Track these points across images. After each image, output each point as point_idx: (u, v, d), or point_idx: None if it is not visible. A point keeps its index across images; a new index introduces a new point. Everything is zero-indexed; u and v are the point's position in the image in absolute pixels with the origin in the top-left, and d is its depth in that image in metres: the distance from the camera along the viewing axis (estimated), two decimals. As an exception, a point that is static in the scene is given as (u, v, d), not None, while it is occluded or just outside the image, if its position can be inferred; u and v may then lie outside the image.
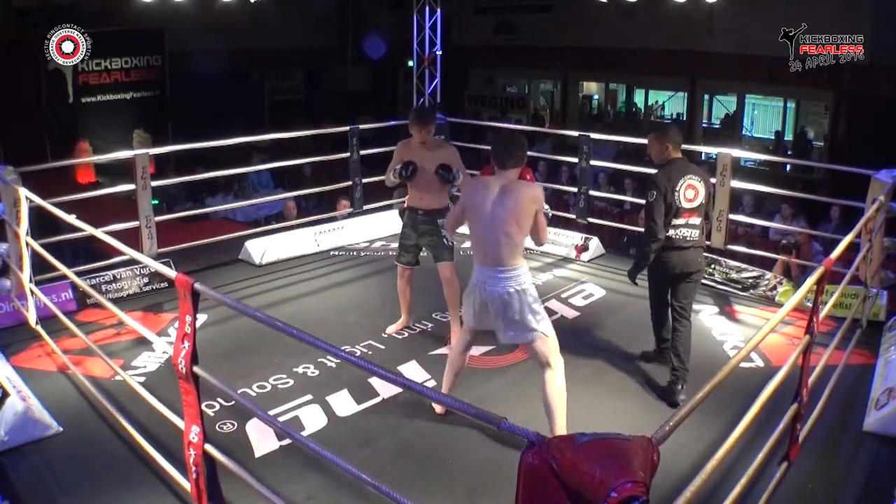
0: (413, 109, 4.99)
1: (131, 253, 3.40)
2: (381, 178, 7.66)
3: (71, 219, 4.06)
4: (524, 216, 3.42)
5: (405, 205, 4.89)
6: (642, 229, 4.57)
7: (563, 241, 6.94)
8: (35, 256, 4.75)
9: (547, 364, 3.50)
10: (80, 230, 4.20)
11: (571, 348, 4.75)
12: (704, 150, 7.61)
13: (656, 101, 14.69)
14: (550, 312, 5.36)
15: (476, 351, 4.74)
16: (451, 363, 3.87)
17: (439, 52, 8.71)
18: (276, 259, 6.56)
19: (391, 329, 5.07)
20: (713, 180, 6.07)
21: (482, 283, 3.50)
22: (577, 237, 6.90)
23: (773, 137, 12.81)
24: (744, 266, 6.08)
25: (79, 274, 4.64)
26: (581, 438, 1.61)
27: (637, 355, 4.70)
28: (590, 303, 5.69)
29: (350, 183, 7.25)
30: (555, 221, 7.53)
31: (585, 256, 6.70)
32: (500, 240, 3.40)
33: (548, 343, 3.50)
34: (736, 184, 6.06)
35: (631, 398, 4.17)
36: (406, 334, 5.02)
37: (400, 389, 4.00)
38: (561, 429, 3.47)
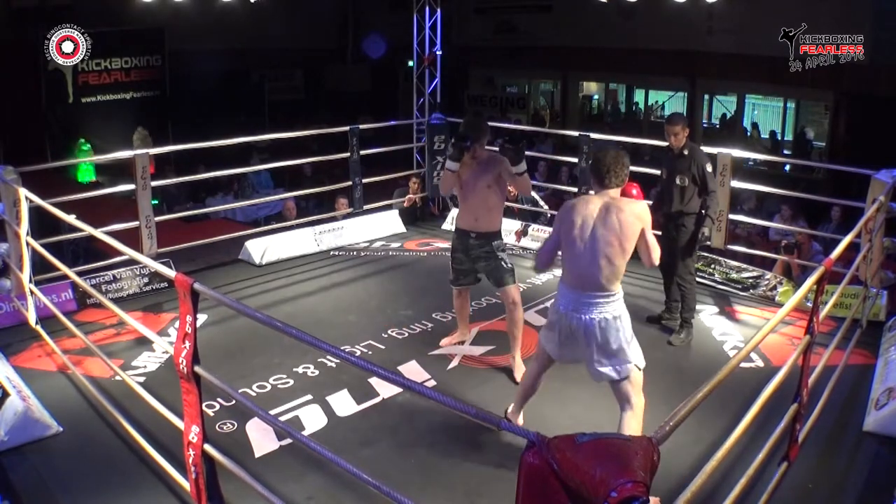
0: (466, 119, 4.43)
1: (131, 253, 3.40)
2: (381, 178, 7.82)
3: (71, 219, 4.06)
4: (628, 237, 3.13)
5: (453, 226, 4.51)
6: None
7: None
8: (35, 256, 4.75)
9: (628, 403, 3.25)
10: (80, 230, 4.20)
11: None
12: (705, 149, 7.59)
13: (656, 101, 14.69)
14: (550, 312, 5.38)
15: (476, 351, 4.75)
16: (524, 389, 3.64)
17: (439, 52, 8.70)
18: (276, 259, 6.56)
19: (445, 341, 4.79)
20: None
21: (572, 311, 3.19)
22: (577, 237, 6.88)
23: (770, 138, 12.81)
24: (744, 266, 6.08)
25: (79, 274, 4.64)
26: (581, 438, 1.61)
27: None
28: (590, 303, 5.68)
29: (350, 183, 7.26)
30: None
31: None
32: (600, 263, 3.13)
33: (636, 379, 3.25)
34: (736, 184, 6.06)
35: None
36: (406, 334, 5.02)
37: (400, 389, 4.00)
38: None
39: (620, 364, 3.19)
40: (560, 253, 3.32)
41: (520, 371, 4.30)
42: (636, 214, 3.16)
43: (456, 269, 4.50)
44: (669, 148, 4.95)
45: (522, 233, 7.22)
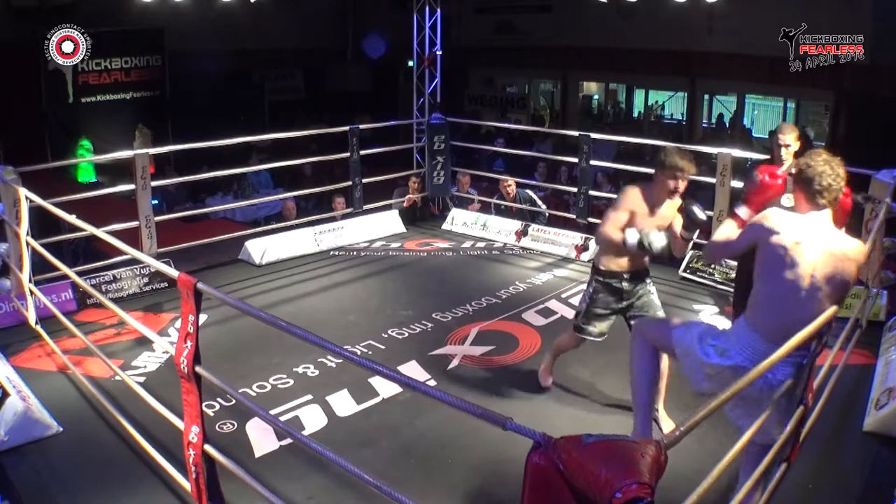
0: (673, 149, 3.59)
1: (133, 252, 3.40)
2: (380, 178, 7.82)
3: (71, 219, 4.06)
4: (844, 284, 2.60)
5: (599, 267, 3.81)
6: None
7: (563, 241, 6.94)
8: (35, 256, 4.75)
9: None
10: (81, 230, 4.20)
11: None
12: (705, 149, 7.58)
13: (656, 101, 14.70)
14: (550, 312, 5.39)
15: (476, 351, 4.74)
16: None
17: (439, 52, 8.71)
18: (276, 259, 6.56)
19: (548, 382, 4.20)
20: (713, 180, 6.11)
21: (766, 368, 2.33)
22: (577, 237, 6.91)
23: (770, 138, 12.83)
24: (744, 266, 6.07)
25: (79, 274, 4.64)
26: (588, 439, 1.61)
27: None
28: (590, 303, 5.68)
29: (350, 183, 7.26)
30: (555, 221, 7.54)
31: (585, 256, 6.70)
32: (814, 312, 2.52)
33: None
34: (736, 184, 6.06)
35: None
36: (406, 334, 5.01)
37: (400, 389, 4.00)
38: None
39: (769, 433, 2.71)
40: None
41: (667, 424, 3.76)
42: (856, 259, 2.62)
43: (593, 312, 3.84)
44: (773, 161, 4.27)
45: (522, 233, 7.22)
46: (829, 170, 2.59)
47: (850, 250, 2.60)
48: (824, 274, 2.54)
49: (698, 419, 1.86)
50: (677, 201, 3.58)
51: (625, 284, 3.76)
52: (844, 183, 2.65)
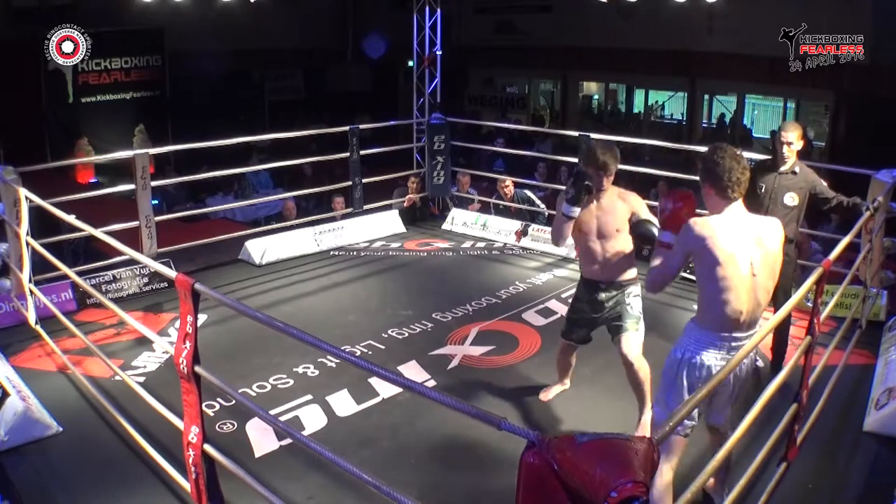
0: (595, 145, 3.68)
1: (131, 253, 3.40)
2: (380, 178, 7.82)
3: (71, 219, 4.06)
4: (776, 259, 2.77)
5: (582, 274, 3.81)
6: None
7: (563, 241, 6.94)
8: (35, 256, 4.76)
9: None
10: (80, 230, 4.20)
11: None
12: (705, 150, 7.62)
13: (656, 101, 14.70)
14: (550, 312, 5.39)
15: (476, 351, 4.74)
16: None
17: (439, 52, 8.71)
18: (276, 259, 6.56)
19: (547, 396, 4.13)
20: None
21: (728, 356, 2.71)
22: (577, 237, 6.90)
23: (770, 137, 12.83)
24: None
25: (79, 274, 4.64)
26: (581, 438, 1.61)
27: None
28: (590, 303, 5.68)
29: (350, 183, 7.26)
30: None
31: (585, 256, 6.69)
32: (762, 300, 2.73)
33: None
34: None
35: (631, 398, 4.15)
36: (406, 334, 5.02)
37: (400, 389, 4.01)
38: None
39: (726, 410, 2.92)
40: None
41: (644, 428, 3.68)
42: (781, 238, 2.79)
43: (573, 318, 3.87)
44: (775, 161, 4.24)
45: (522, 233, 7.22)
46: (737, 164, 2.74)
47: (770, 228, 2.77)
48: (759, 258, 2.70)
49: (684, 414, 1.88)
50: (637, 203, 3.58)
51: (601, 295, 3.69)
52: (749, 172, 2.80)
